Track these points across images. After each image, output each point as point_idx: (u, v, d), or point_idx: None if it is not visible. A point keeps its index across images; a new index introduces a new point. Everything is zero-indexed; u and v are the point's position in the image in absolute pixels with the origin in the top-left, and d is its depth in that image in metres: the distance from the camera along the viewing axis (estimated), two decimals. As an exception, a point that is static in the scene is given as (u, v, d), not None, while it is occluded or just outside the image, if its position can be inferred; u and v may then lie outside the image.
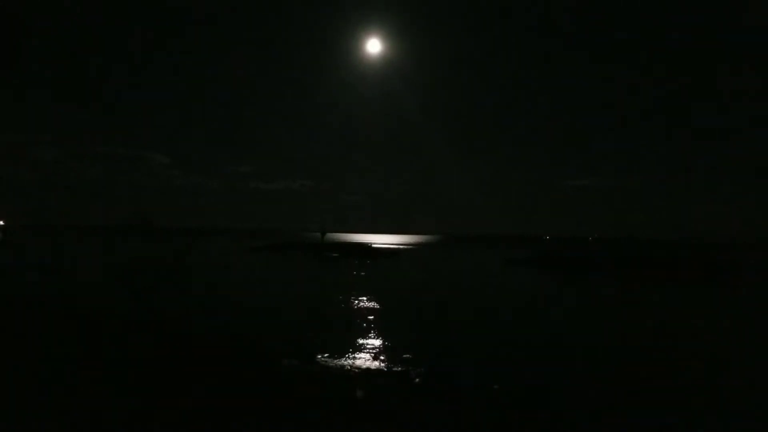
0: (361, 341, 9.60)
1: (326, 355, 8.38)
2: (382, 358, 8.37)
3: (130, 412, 4.75)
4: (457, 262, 39.68)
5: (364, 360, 8.21)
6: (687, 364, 8.77)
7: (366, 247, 46.73)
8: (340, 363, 7.94)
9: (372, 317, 12.35)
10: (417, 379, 7.14)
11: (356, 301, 14.94)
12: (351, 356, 8.41)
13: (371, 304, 14.48)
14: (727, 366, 8.87)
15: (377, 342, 9.58)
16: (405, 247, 69.61)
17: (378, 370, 7.61)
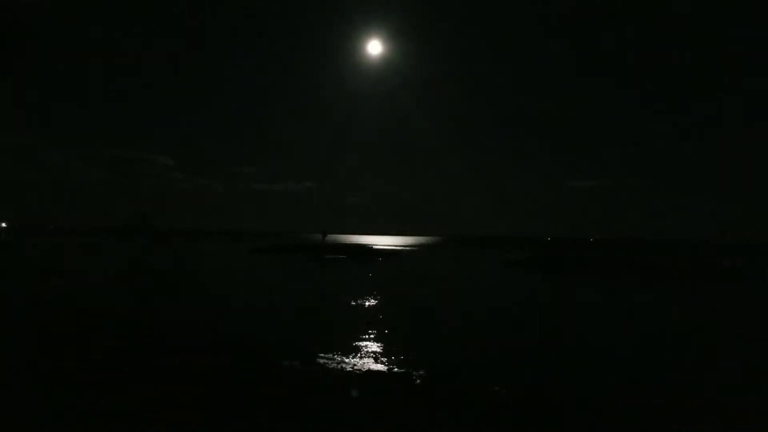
0: (361, 342, 9.62)
1: (327, 356, 8.40)
2: (382, 359, 8.39)
3: (133, 411, 4.82)
4: (457, 264, 39.68)
5: (364, 361, 8.23)
6: (686, 367, 8.78)
7: (367, 249, 46.76)
8: (341, 364, 7.96)
9: (373, 318, 12.38)
10: (417, 380, 7.18)
11: (357, 303, 14.97)
12: (352, 357, 8.43)
13: (372, 306, 14.52)
14: (731, 370, 8.86)
15: (378, 343, 9.60)
16: (406, 248, 69.60)
17: (379, 371, 7.63)
